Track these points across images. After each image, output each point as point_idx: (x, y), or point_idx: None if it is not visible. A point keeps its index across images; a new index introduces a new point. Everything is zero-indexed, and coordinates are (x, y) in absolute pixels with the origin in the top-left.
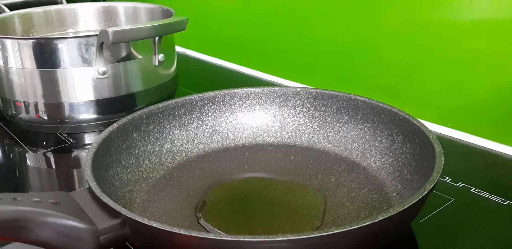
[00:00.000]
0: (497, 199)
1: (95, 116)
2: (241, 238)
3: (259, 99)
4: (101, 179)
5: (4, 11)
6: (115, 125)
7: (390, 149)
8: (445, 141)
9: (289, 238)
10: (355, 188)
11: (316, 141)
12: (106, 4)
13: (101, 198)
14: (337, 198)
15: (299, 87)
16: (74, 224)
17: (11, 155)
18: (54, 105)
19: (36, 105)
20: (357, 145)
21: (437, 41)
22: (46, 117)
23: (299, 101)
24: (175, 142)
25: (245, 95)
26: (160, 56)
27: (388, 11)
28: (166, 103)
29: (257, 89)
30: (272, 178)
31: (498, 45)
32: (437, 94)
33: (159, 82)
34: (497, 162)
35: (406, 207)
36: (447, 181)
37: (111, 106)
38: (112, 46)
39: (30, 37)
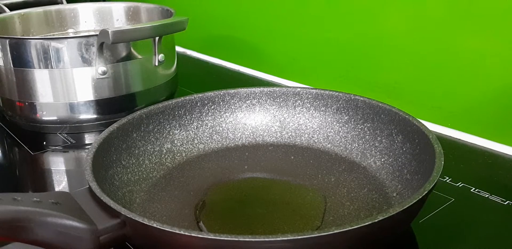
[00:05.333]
0: (497, 199)
1: (95, 116)
2: (241, 238)
3: (259, 99)
4: (101, 179)
5: (4, 11)
6: (115, 125)
7: (390, 149)
8: (445, 141)
9: (289, 238)
10: (355, 188)
11: (316, 141)
12: (106, 4)
13: (101, 198)
14: (337, 198)
15: (299, 87)
16: (74, 224)
17: (11, 155)
18: (54, 105)
19: (36, 105)
20: (357, 145)
21: (437, 41)
22: (46, 117)
23: (299, 101)
24: (175, 142)
25: (245, 95)
26: (160, 56)
27: (388, 11)
28: (166, 103)
29: (257, 89)
30: (272, 178)
31: (498, 45)
32: (437, 94)
33: (159, 82)
34: (497, 162)
35: (406, 207)
36: (447, 181)
37: (111, 106)
38: (112, 46)
39: (30, 37)
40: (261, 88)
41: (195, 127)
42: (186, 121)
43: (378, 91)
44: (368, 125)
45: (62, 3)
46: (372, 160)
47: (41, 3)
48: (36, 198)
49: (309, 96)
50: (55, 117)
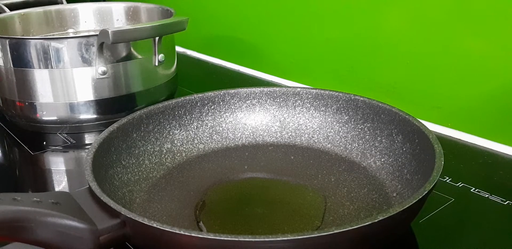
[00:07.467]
0: (497, 199)
1: (95, 116)
2: (241, 238)
3: (259, 99)
4: (101, 179)
5: (4, 11)
6: (115, 125)
7: (390, 149)
8: (445, 141)
9: (289, 238)
10: (355, 188)
11: (316, 141)
12: (106, 4)
13: (101, 198)
14: (337, 198)
15: (299, 87)
16: (74, 224)
17: (11, 155)
18: (54, 105)
19: (36, 105)
20: (357, 145)
21: (437, 41)
22: (46, 117)
23: (299, 101)
24: (175, 142)
25: (245, 95)
26: (160, 56)
27: (388, 11)
28: (166, 103)
29: (257, 89)
30: (272, 178)
31: (498, 45)
32: (437, 94)
33: (159, 82)
34: (497, 162)
35: (406, 207)
36: (447, 181)
37: (111, 106)
38: (112, 46)
39: (30, 37)
40: (261, 88)
41: (195, 127)
42: (186, 121)
43: (378, 91)
44: (368, 125)
45: (62, 3)
46: (372, 160)
47: (41, 3)
48: (36, 198)
49: (309, 96)
50: (55, 117)
